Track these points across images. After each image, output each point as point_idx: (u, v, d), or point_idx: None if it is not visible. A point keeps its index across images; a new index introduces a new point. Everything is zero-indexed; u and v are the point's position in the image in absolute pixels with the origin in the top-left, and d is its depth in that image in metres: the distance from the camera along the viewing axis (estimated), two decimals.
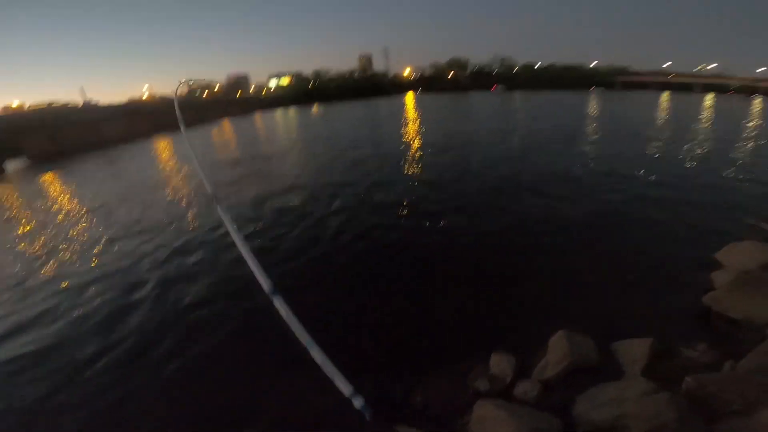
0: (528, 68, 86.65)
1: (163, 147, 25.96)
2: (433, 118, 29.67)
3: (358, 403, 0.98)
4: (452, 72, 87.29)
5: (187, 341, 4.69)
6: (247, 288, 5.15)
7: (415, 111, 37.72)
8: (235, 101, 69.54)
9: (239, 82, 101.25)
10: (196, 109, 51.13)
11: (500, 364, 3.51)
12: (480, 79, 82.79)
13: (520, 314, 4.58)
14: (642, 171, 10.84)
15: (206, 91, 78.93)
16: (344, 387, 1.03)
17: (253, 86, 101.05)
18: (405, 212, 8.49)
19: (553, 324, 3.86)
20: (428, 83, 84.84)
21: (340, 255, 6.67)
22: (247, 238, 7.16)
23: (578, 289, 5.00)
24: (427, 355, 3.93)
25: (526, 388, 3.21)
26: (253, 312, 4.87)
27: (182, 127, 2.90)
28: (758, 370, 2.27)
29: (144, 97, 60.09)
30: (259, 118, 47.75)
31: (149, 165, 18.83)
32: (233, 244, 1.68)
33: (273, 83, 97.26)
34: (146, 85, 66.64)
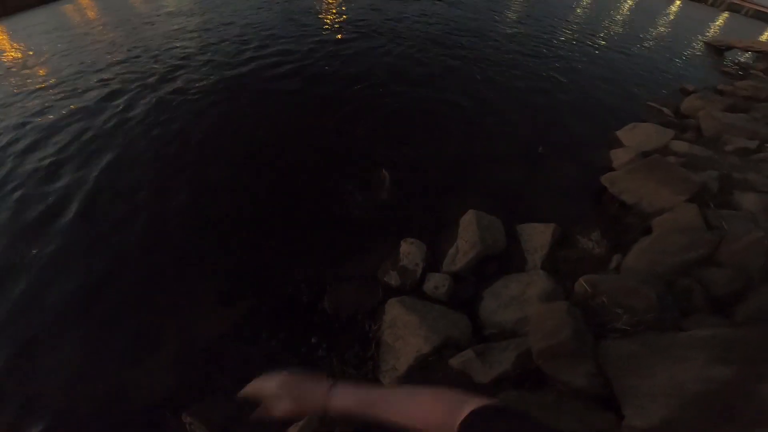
0: None
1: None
2: None
3: None
4: None
5: None
6: None
7: None
8: None
9: None
10: None
11: (410, 253, 3.37)
12: None
13: (427, 195, 4.35)
14: (561, 45, 10.27)
15: None
16: None
17: None
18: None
19: (461, 204, 3.80)
20: None
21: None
22: None
23: (485, 168, 4.86)
24: (334, 250, 3.60)
25: (436, 283, 3.17)
26: None
27: None
28: (641, 269, 2.49)
29: None
30: None
31: None
32: None
33: None
34: None
